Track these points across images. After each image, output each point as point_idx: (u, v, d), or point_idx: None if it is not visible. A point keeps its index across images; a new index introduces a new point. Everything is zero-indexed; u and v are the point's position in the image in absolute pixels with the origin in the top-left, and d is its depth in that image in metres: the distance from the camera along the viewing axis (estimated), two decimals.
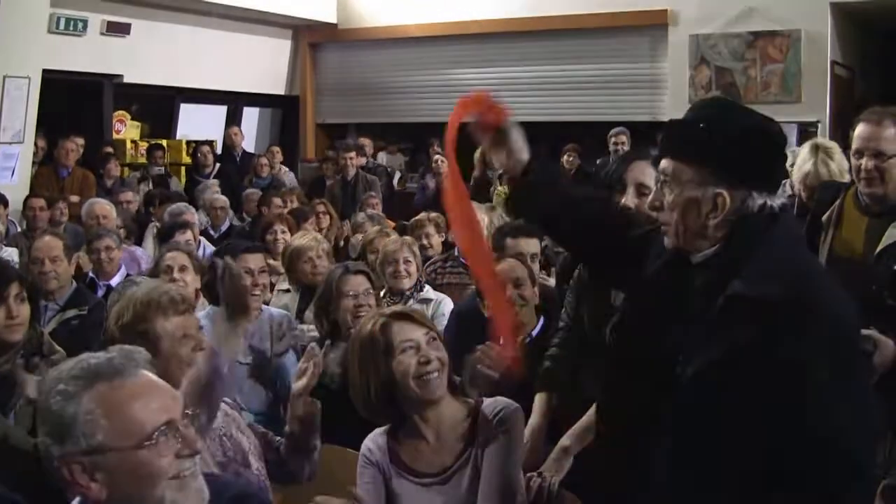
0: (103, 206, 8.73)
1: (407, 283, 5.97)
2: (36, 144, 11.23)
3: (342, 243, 9.16)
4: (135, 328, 3.29)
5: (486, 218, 7.16)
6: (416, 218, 8.13)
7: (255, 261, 5.23)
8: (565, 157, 12.30)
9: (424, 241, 7.53)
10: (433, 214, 7.84)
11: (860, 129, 4.01)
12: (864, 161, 3.96)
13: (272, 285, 7.33)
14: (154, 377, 2.24)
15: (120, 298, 4.31)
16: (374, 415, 3.37)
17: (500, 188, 10.95)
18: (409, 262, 6.07)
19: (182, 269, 5.54)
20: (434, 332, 3.34)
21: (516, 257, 5.10)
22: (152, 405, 2.16)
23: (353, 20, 15.01)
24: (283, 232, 7.76)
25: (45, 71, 10.86)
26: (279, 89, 15.56)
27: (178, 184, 12.52)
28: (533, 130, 12.65)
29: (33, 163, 11.19)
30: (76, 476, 2.12)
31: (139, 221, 10.02)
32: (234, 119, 14.85)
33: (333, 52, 15.59)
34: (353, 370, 3.39)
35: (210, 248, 8.20)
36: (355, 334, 3.48)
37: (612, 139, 11.80)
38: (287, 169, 13.53)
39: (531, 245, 5.53)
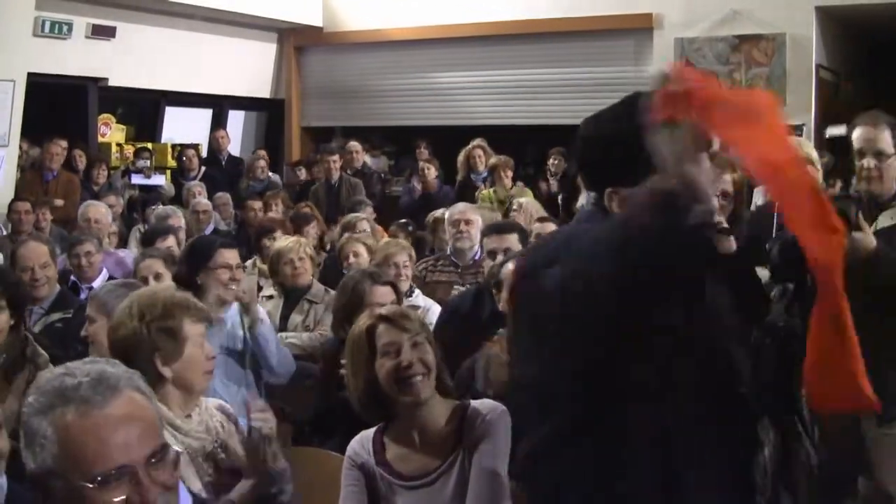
0: (98, 209, 8.67)
1: (403, 286, 5.98)
2: (21, 148, 11.19)
3: (328, 246, 9.16)
4: (164, 324, 3.32)
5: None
6: (435, 217, 8.27)
7: (232, 256, 5.22)
8: (551, 160, 12.31)
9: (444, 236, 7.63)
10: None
11: (860, 132, 4.25)
12: (865, 161, 4.20)
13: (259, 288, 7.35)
14: (131, 408, 2.07)
15: (120, 297, 4.28)
16: (367, 412, 3.39)
17: (484, 191, 10.96)
18: (407, 266, 6.13)
19: (157, 276, 5.53)
20: (423, 335, 3.34)
21: (491, 254, 5.64)
22: (111, 443, 2.01)
23: (339, 23, 14.99)
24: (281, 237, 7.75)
25: (29, 74, 10.84)
26: (264, 92, 15.53)
27: (171, 187, 12.44)
28: (519, 134, 12.67)
29: (19, 166, 11.15)
30: (36, 491, 2.07)
31: (125, 224, 10.00)
32: (219, 122, 14.81)
33: (319, 55, 15.56)
34: (346, 368, 3.43)
35: None
36: (350, 333, 3.50)
37: None
38: (270, 173, 13.47)
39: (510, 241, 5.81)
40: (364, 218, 8.61)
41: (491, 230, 6.10)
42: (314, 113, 15.69)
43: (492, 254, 5.74)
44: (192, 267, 5.22)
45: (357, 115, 15.30)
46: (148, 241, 7.53)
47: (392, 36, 14.51)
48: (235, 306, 5.27)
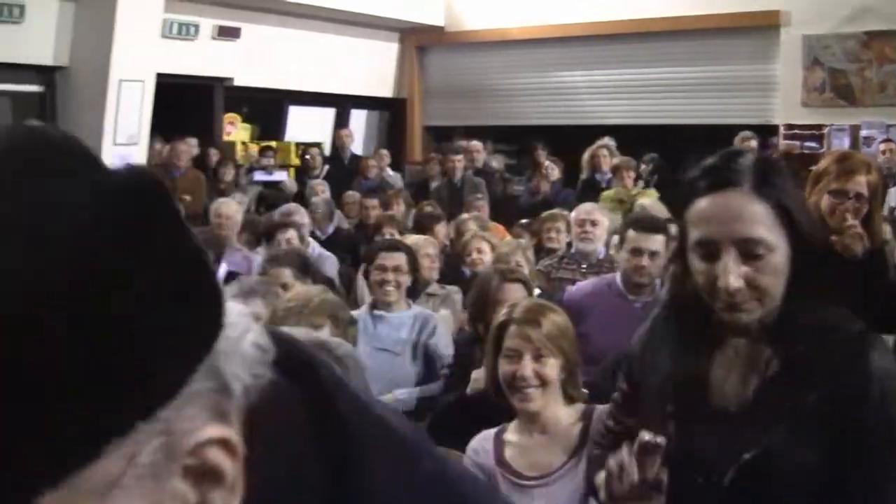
0: (228, 206, 8.70)
1: None
2: (154, 147, 11.45)
3: (448, 244, 9.16)
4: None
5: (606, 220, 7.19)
6: (550, 213, 8.26)
7: (389, 259, 5.58)
8: (643, 166, 11.71)
9: (552, 235, 7.72)
10: (565, 212, 7.95)
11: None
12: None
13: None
14: None
15: None
16: (499, 400, 3.37)
17: (605, 192, 10.84)
18: (521, 265, 6.09)
19: (285, 287, 5.24)
20: (548, 346, 3.22)
21: (633, 252, 5.18)
22: None
23: (460, 23, 15.04)
24: (393, 235, 7.78)
25: (158, 75, 11.08)
26: (386, 92, 15.66)
27: (293, 183, 12.64)
28: (638, 133, 12.51)
29: (149, 164, 11.38)
30: None
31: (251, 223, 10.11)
32: (341, 121, 14.98)
33: (440, 54, 15.65)
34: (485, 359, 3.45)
35: (319, 249, 8.22)
36: (494, 322, 3.47)
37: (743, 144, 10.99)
38: (391, 172, 13.55)
39: (653, 242, 5.24)
40: (471, 218, 8.61)
41: (638, 225, 5.41)
42: (435, 112, 15.76)
43: (636, 252, 5.18)
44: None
45: (478, 114, 15.33)
46: (268, 235, 7.59)
47: (513, 35, 14.50)
48: (413, 311, 5.58)
